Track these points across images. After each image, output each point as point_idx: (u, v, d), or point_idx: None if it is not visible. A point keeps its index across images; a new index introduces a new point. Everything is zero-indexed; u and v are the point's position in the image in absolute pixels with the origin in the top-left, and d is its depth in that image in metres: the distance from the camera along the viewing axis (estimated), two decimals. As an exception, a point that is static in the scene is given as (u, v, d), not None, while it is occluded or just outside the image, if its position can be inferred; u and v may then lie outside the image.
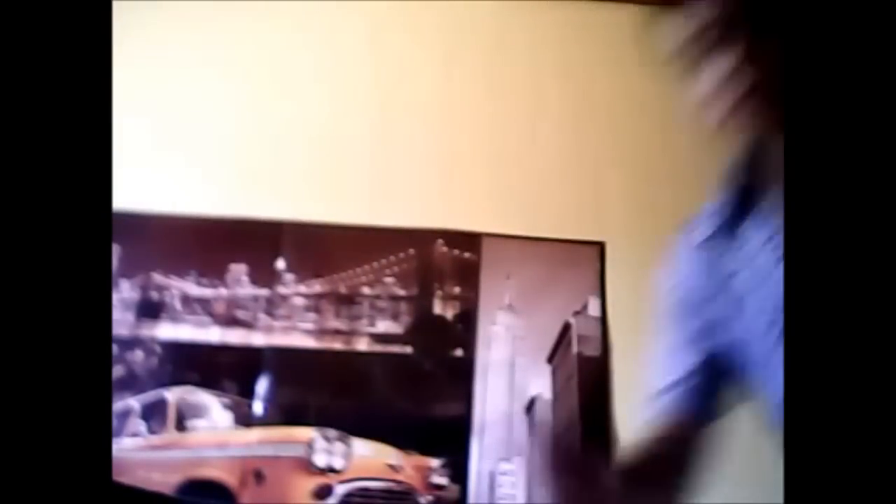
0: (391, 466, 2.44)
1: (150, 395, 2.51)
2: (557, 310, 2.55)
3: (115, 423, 2.44)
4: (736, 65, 0.94)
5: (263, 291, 2.60)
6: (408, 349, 2.57)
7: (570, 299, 2.56)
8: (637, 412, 1.22)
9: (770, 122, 0.95)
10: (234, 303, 2.60)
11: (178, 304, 2.59)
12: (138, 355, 2.54)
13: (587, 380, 2.48)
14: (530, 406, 2.49)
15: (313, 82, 2.77)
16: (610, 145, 2.65)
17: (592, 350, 2.51)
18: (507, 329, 2.55)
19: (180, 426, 2.49)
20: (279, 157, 2.69)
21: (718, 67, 0.95)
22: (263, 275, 2.61)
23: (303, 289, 2.61)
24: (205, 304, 2.59)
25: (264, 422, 2.48)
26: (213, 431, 2.49)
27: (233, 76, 2.76)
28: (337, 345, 2.57)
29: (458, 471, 2.43)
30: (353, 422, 2.44)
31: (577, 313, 2.55)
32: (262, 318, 2.58)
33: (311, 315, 2.59)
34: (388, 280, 2.61)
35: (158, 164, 2.66)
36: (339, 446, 2.40)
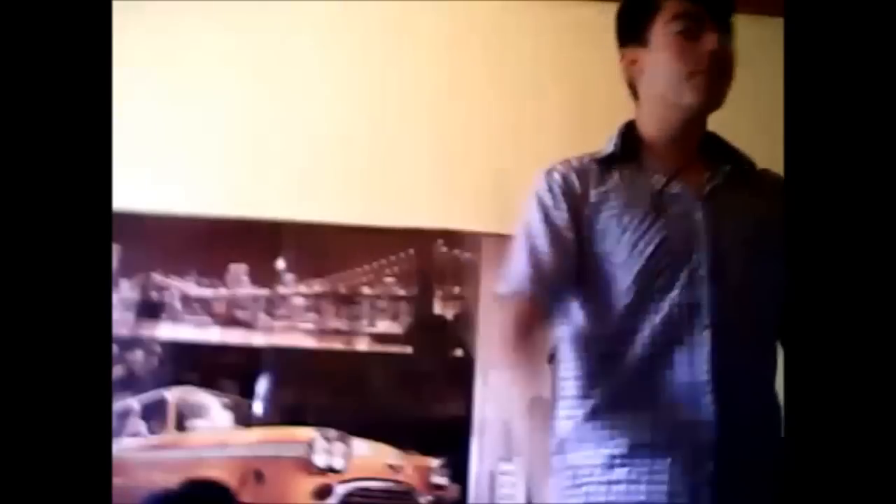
0: (391, 466, 2.44)
1: (150, 395, 2.51)
2: (557, 310, 2.55)
3: (115, 423, 2.44)
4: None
5: (263, 291, 2.60)
6: (408, 349, 2.57)
7: (570, 299, 2.56)
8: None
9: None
10: (234, 303, 2.60)
11: (178, 304, 2.59)
12: (138, 355, 2.54)
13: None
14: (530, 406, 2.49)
15: (313, 82, 2.76)
16: (610, 145, 2.65)
17: (592, 350, 2.50)
18: (507, 329, 2.55)
19: (180, 426, 2.49)
20: (279, 157, 2.68)
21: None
22: (263, 275, 2.61)
23: (303, 289, 2.61)
24: (205, 304, 2.59)
25: (264, 422, 2.48)
26: (213, 431, 2.49)
27: (233, 76, 2.76)
28: (337, 345, 2.57)
29: (458, 471, 2.43)
30: (353, 422, 2.44)
31: (577, 313, 2.55)
32: (262, 318, 2.58)
33: (311, 315, 2.59)
34: (388, 280, 2.61)
35: (159, 164, 2.66)
36: (339, 446, 2.41)
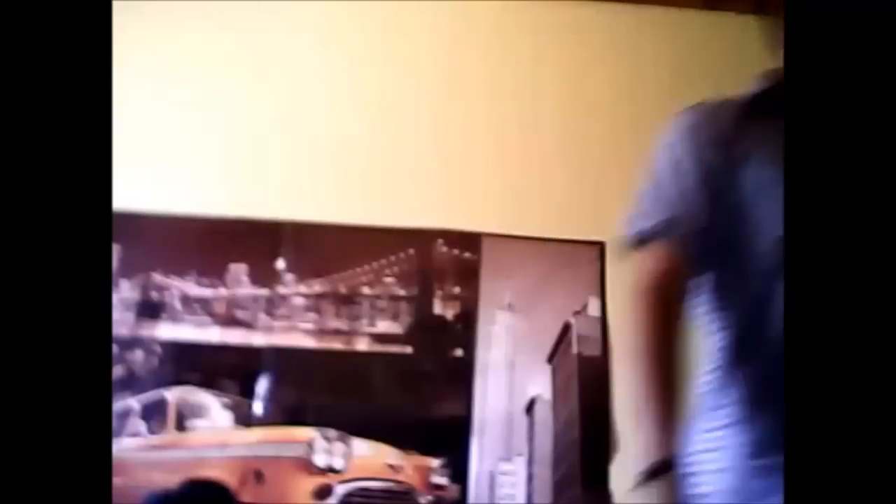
0: (391, 466, 2.44)
1: (150, 395, 2.51)
2: (557, 310, 2.55)
3: (115, 423, 2.44)
4: None
5: (263, 291, 2.60)
6: (408, 349, 2.57)
7: (570, 299, 2.56)
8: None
9: None
10: (234, 303, 2.60)
11: (178, 304, 2.59)
12: (138, 355, 2.54)
13: (587, 380, 2.48)
14: (530, 406, 2.49)
15: (314, 82, 2.77)
16: (610, 145, 2.65)
17: (592, 350, 2.51)
18: (507, 329, 2.55)
19: (180, 426, 2.49)
20: (279, 157, 2.69)
21: None
22: (263, 275, 2.61)
23: (303, 289, 2.61)
24: (205, 304, 2.59)
25: (264, 422, 2.48)
26: (213, 431, 2.49)
27: (233, 77, 2.76)
28: (337, 345, 2.57)
29: (458, 471, 2.43)
30: (353, 422, 2.44)
31: (577, 313, 2.55)
32: (262, 318, 2.58)
33: (311, 315, 2.59)
34: (388, 280, 2.61)
35: (159, 164, 2.66)
36: (339, 446, 2.40)
